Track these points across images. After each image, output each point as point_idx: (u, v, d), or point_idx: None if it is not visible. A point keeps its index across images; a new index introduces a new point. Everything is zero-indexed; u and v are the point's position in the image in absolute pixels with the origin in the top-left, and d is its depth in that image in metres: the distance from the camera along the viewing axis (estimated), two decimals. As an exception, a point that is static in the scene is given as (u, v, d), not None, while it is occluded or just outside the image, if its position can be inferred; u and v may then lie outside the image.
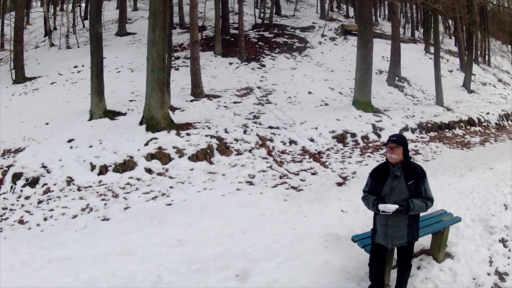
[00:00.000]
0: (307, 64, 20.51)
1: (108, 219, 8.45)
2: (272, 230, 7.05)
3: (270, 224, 7.33)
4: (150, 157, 10.53)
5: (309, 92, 16.57)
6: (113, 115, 13.06)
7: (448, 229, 5.71)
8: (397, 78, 19.56)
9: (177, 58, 19.67)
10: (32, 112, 14.39)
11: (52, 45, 22.76)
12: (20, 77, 17.58)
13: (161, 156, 10.57)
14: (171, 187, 9.61)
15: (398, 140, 4.35)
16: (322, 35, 24.70)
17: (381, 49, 21.86)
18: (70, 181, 10.13)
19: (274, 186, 9.75)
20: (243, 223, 7.46)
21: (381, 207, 4.21)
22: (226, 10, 23.16)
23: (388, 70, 19.60)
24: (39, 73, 18.11)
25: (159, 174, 10.17)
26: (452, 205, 7.07)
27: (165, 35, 11.64)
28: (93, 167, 10.39)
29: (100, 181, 10.02)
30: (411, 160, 4.53)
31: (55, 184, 10.14)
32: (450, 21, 32.89)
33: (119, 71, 17.08)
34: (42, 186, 10.17)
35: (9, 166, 11.25)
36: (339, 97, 16.67)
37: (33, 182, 10.30)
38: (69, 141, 11.46)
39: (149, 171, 10.24)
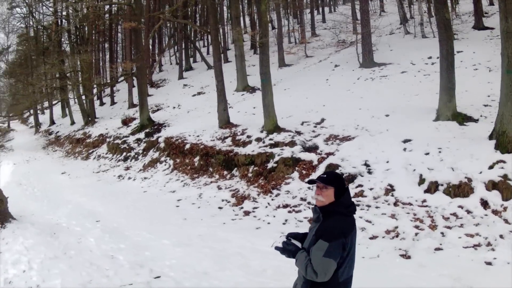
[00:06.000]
0: None
1: (408, 257, 6.93)
2: None
3: None
4: (491, 185, 8.15)
5: None
6: (462, 119, 11.08)
7: None
8: None
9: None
10: (373, 100, 13.84)
11: (407, 32, 22.27)
12: (367, 61, 17.74)
13: (504, 187, 8.03)
14: (501, 237, 7.10)
15: (329, 179, 3.29)
16: None
17: None
18: (389, 190, 8.95)
19: None
20: None
21: (278, 238, 3.42)
22: None
23: None
24: (390, 60, 17.92)
25: (494, 212, 7.77)
26: None
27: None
28: (421, 181, 8.87)
29: (423, 201, 8.47)
30: (341, 209, 3.24)
31: (371, 189, 9.10)
32: None
33: (476, 69, 14.90)
34: (356, 188, 9.28)
35: (328, 154, 10.67)
36: None
37: (347, 180, 9.38)
38: (405, 141, 10.25)
39: (484, 204, 7.96)
